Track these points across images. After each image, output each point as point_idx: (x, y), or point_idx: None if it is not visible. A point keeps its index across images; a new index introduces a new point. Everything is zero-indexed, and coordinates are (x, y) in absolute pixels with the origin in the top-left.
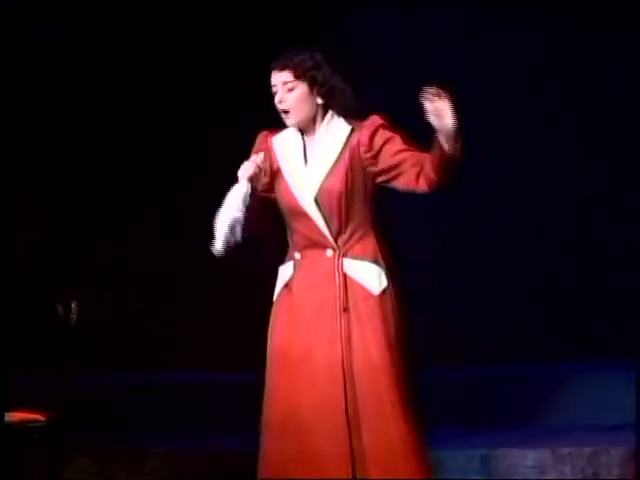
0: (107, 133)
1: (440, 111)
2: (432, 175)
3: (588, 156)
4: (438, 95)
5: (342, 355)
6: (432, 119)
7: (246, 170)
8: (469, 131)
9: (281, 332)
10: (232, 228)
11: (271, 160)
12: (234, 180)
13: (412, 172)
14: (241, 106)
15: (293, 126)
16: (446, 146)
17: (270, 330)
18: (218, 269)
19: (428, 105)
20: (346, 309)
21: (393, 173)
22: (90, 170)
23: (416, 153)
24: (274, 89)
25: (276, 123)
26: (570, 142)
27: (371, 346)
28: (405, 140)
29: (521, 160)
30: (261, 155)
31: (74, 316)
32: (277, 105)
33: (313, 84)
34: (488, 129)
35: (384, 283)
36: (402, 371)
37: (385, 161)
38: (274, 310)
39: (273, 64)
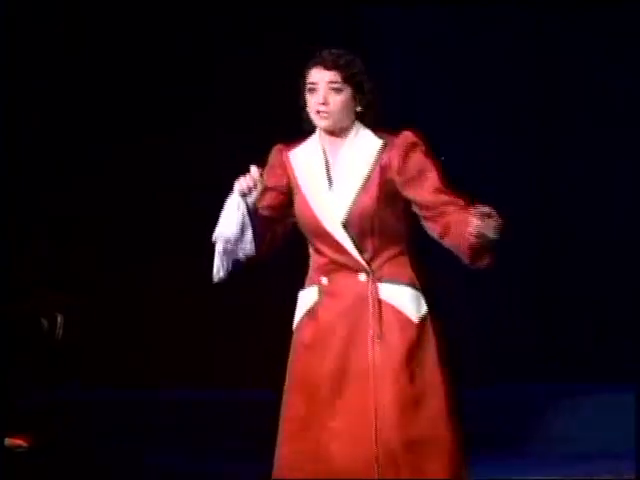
0: (104, 140)
1: (486, 229)
2: (453, 245)
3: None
4: (490, 216)
5: (374, 388)
6: (474, 232)
7: (240, 184)
8: (469, 130)
9: (306, 362)
10: (227, 252)
11: (288, 177)
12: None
13: (440, 223)
14: (240, 107)
15: (327, 128)
16: (474, 249)
17: (292, 359)
18: (218, 287)
19: (477, 222)
20: (380, 337)
21: (422, 212)
22: (84, 173)
23: (449, 200)
24: (312, 87)
25: (276, 122)
26: (569, 144)
27: (404, 381)
28: (438, 169)
29: (521, 161)
30: (258, 169)
31: (60, 330)
32: (314, 105)
33: (358, 90)
34: (487, 127)
35: (423, 309)
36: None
37: (416, 194)
38: (296, 339)
39: (317, 60)
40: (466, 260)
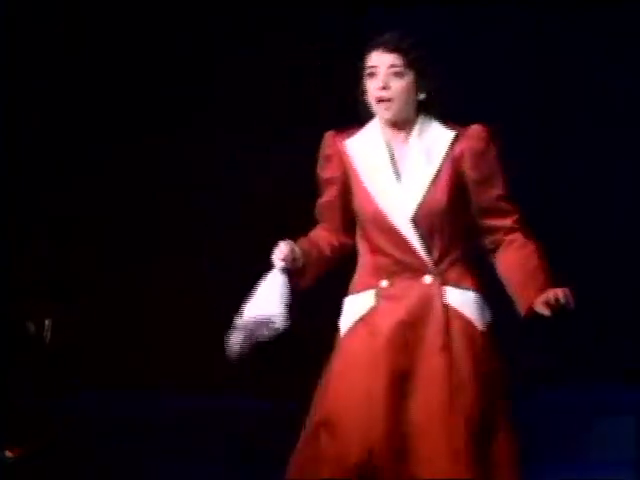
0: (104, 140)
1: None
2: (495, 262)
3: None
4: (565, 300)
5: (439, 401)
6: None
7: (278, 259)
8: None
9: (358, 373)
10: (256, 329)
11: (344, 166)
12: (232, 195)
13: (489, 240)
14: (240, 107)
15: (389, 120)
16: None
17: (337, 368)
18: (218, 287)
19: (548, 303)
20: (447, 347)
21: (478, 217)
22: (84, 173)
23: (508, 210)
24: (372, 71)
25: (276, 122)
26: (569, 144)
27: (471, 394)
28: (505, 174)
29: (521, 161)
30: (287, 244)
31: (48, 334)
32: (373, 90)
33: (421, 76)
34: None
35: (488, 317)
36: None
37: (482, 195)
38: (344, 346)
39: (378, 42)
40: (522, 312)
